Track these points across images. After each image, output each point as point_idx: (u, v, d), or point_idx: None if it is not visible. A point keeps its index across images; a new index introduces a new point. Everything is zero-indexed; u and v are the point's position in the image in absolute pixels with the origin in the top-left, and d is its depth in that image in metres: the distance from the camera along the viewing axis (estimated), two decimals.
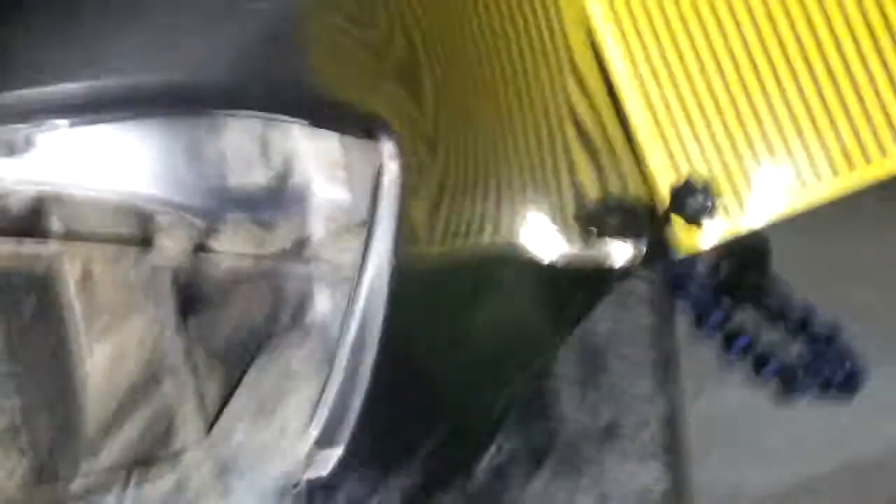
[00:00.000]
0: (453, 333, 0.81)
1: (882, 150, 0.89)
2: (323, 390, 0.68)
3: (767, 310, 1.21)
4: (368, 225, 0.70)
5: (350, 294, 0.68)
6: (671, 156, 0.92)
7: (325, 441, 0.67)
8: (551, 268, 0.88)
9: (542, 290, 0.89)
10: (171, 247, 0.71)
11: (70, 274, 0.81)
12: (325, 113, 0.69)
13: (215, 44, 0.64)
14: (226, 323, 1.00)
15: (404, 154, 0.71)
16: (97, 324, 0.86)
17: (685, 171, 0.92)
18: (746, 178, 0.92)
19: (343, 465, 0.67)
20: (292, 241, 0.79)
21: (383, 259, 0.70)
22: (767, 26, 0.88)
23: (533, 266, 0.86)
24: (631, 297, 1.36)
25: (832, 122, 0.89)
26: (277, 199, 0.75)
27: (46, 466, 0.78)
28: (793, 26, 0.89)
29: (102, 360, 0.86)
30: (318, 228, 0.78)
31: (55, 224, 0.79)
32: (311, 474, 0.67)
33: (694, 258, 1.06)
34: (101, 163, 0.67)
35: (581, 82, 0.88)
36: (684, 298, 1.12)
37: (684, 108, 0.90)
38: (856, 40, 0.88)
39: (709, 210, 0.94)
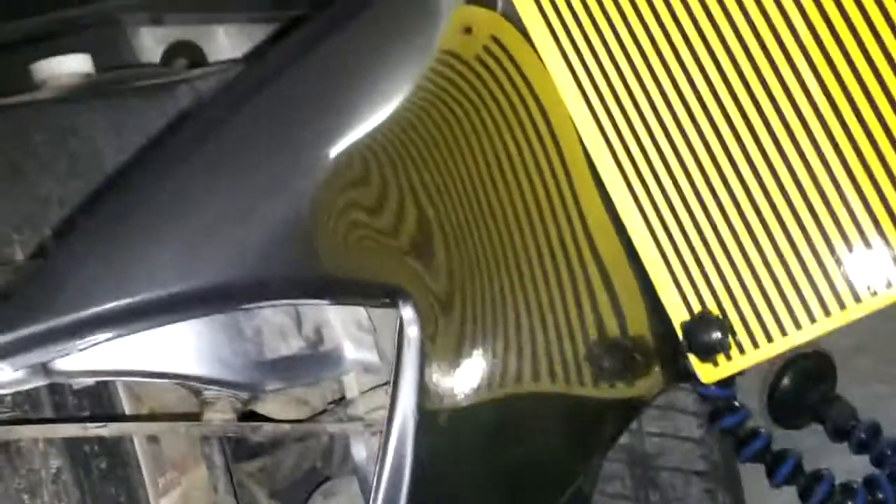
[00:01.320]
0: (482, 469, 0.85)
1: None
2: None
3: (832, 428, 1.19)
4: (392, 382, 0.76)
5: (380, 444, 0.75)
6: (682, 294, 0.91)
7: None
8: (573, 405, 0.91)
9: (567, 425, 0.91)
10: (218, 418, 0.79)
11: (138, 434, 0.90)
12: (343, 292, 0.76)
13: (239, 251, 0.72)
14: (285, 465, 1.08)
15: (422, 317, 0.78)
16: (164, 478, 0.95)
17: (696, 308, 0.91)
18: (757, 312, 0.89)
19: None
20: (328, 402, 0.87)
21: (408, 412, 0.76)
22: (762, 175, 0.88)
23: (556, 405, 0.90)
24: (675, 410, 1.40)
25: (837, 257, 0.88)
26: (312, 365, 0.83)
27: None
28: (791, 168, 0.88)
29: None
30: (351, 388, 0.86)
31: (122, 400, 0.89)
32: None
33: (729, 389, 1.06)
34: (152, 350, 0.76)
35: (592, 225, 0.89)
36: (721, 429, 1.12)
37: (691, 247, 0.90)
38: (853, 178, 0.87)
39: (721, 346, 0.91)
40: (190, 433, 0.79)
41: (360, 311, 0.85)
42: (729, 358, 0.92)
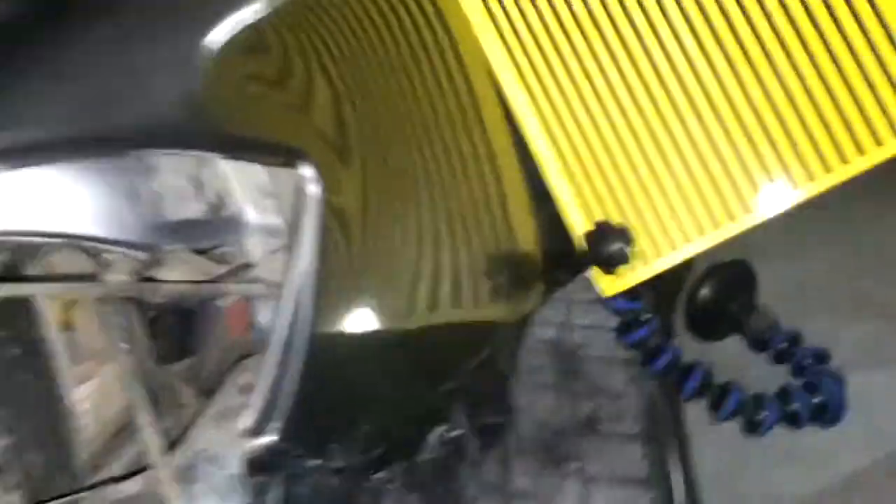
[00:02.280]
0: (378, 333, 0.85)
1: (798, 180, 0.86)
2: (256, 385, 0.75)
3: (752, 337, 1.17)
4: (292, 236, 0.76)
5: (278, 299, 0.75)
6: (584, 204, 0.90)
7: (257, 429, 0.74)
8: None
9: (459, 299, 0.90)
10: (116, 279, 0.79)
11: (51, 320, 0.90)
12: (237, 148, 0.77)
13: (131, 100, 0.73)
14: (210, 363, 1.09)
15: (322, 177, 0.79)
16: (80, 368, 0.94)
17: (599, 217, 0.90)
18: (660, 219, 0.89)
19: (276, 450, 0.74)
20: (231, 265, 0.88)
21: (308, 268, 0.77)
22: (665, 84, 0.87)
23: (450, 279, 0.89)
24: (600, 302, 1.41)
25: (742, 160, 0.86)
26: (214, 229, 0.84)
27: (40, 498, 0.86)
28: (697, 76, 0.86)
29: (88, 400, 0.94)
30: (254, 252, 0.87)
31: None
32: (248, 458, 0.74)
33: (637, 301, 1.04)
34: (47, 209, 0.76)
35: (489, 136, 0.90)
36: (629, 342, 1.10)
37: (593, 154, 0.89)
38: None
39: (623, 256, 0.90)
40: (88, 293, 0.79)
41: (261, 177, 0.85)
42: (632, 268, 0.91)
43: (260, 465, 0.73)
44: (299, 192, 0.79)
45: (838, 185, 0.89)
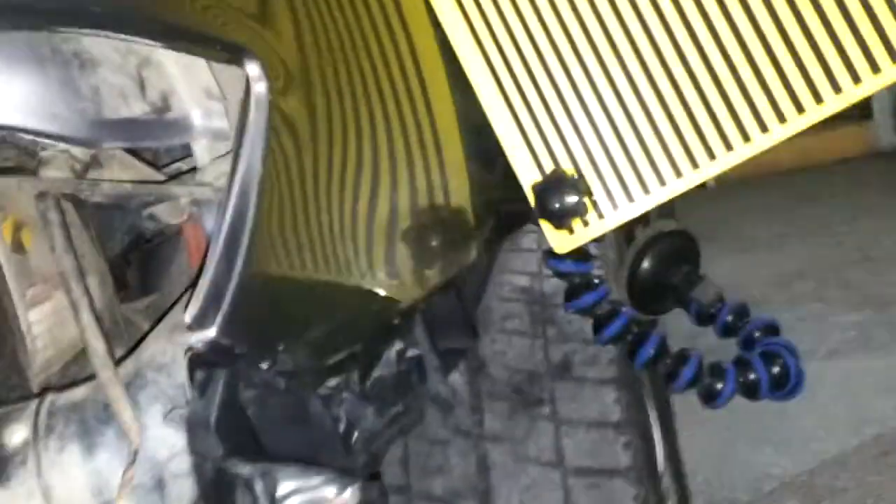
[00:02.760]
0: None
1: (746, 136, 0.80)
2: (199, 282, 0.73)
3: (697, 311, 1.12)
4: (238, 136, 0.74)
5: (223, 197, 0.73)
6: (533, 153, 0.83)
7: (198, 323, 0.72)
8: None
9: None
10: (55, 176, 0.77)
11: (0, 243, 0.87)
12: (176, 35, 0.74)
13: None
14: (173, 298, 1.07)
15: (269, 77, 0.76)
16: (33, 290, 0.92)
17: (549, 168, 0.83)
18: (616, 169, 0.82)
19: (218, 346, 0.71)
20: (175, 169, 0.86)
21: (253, 165, 0.74)
22: (625, 20, 0.81)
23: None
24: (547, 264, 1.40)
25: (707, 106, 0.80)
26: (156, 130, 0.82)
27: None
28: (657, 8, 0.80)
29: (42, 323, 0.92)
30: (200, 156, 0.85)
31: None
32: (190, 353, 0.72)
33: (587, 263, 1.00)
34: None
35: (425, 76, 0.85)
36: (576, 309, 1.05)
37: (542, 98, 0.82)
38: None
39: (577, 210, 0.82)
40: (24, 188, 0.77)
41: (208, 80, 0.83)
42: (585, 223, 0.83)
43: (201, 360, 0.71)
44: (246, 91, 0.77)
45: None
